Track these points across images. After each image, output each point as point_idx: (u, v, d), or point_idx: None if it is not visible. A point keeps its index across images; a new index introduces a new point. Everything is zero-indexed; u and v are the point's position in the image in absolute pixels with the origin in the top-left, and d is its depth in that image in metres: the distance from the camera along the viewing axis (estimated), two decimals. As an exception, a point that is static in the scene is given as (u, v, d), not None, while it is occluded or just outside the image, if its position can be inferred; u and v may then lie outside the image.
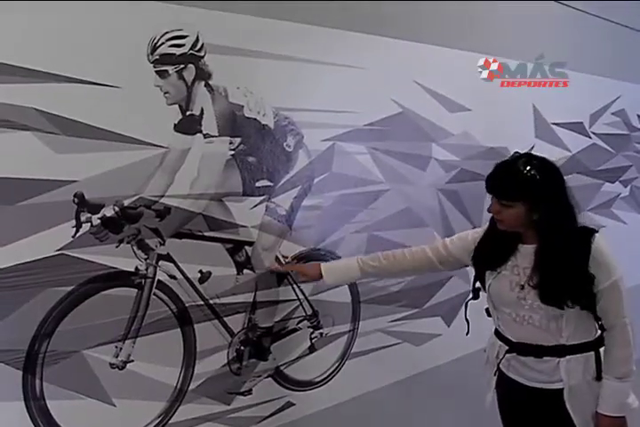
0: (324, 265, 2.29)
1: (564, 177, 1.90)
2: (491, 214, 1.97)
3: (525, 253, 1.94)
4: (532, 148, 3.73)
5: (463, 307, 2.18)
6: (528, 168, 1.83)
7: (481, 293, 2.10)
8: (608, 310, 1.89)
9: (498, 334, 2.10)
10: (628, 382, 1.90)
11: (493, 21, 3.48)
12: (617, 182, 4.64)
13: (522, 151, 1.98)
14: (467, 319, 2.19)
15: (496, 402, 2.18)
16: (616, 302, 1.88)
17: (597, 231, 1.92)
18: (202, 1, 2.14)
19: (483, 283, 2.06)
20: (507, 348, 2.05)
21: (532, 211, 1.85)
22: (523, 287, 1.92)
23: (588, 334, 1.95)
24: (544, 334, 1.95)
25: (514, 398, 2.09)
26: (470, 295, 2.13)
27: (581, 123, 4.20)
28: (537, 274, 1.89)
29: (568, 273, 1.84)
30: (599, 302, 1.88)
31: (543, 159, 1.91)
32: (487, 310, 2.12)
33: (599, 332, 1.96)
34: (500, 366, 2.08)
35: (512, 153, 1.96)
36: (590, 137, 4.29)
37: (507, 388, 2.10)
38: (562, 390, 1.94)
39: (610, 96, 4.48)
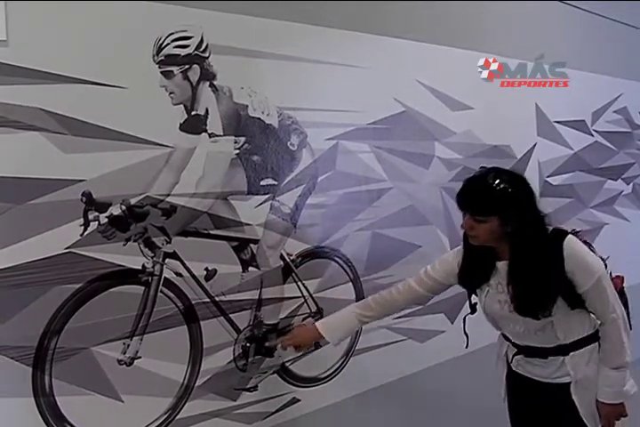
0: (321, 327, 2.18)
1: (532, 187, 1.91)
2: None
3: (502, 270, 1.95)
4: (535, 145, 3.75)
5: (462, 322, 2.19)
6: (498, 181, 1.84)
7: (478, 306, 2.11)
8: (596, 309, 1.92)
9: (504, 335, 2.13)
10: (624, 371, 1.93)
11: (495, 20, 3.50)
12: (619, 180, 4.65)
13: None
14: (466, 333, 2.20)
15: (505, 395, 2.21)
16: (601, 300, 1.90)
17: (567, 234, 1.91)
18: (206, 1, 2.17)
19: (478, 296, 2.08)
20: (515, 350, 2.08)
21: (505, 224, 1.86)
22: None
23: (586, 328, 1.97)
24: (543, 339, 1.97)
25: (522, 391, 2.12)
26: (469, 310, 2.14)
27: (583, 121, 4.21)
28: (512, 288, 1.91)
29: (540, 284, 1.85)
30: (586, 302, 1.90)
31: (511, 172, 1.93)
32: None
33: (599, 322, 1.99)
34: (509, 360, 2.12)
35: (478, 168, 1.96)
36: (592, 135, 4.30)
37: (515, 381, 2.14)
38: (569, 383, 1.97)
39: (612, 94, 4.49)
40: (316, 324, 2.19)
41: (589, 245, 2.00)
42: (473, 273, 2.03)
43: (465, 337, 2.22)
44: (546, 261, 1.86)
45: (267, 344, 2.26)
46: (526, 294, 1.88)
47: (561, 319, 1.92)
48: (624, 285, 2.12)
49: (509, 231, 1.87)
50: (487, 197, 1.85)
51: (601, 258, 2.00)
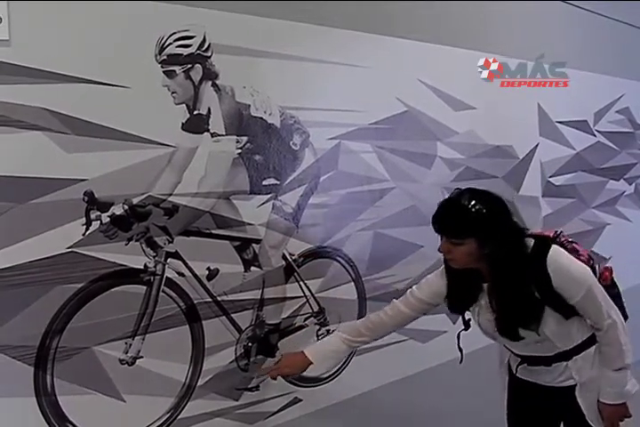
0: (311, 355, 2.05)
1: (507, 205, 1.89)
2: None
3: (488, 291, 1.94)
4: (537, 146, 3.75)
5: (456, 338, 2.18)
6: (473, 203, 1.82)
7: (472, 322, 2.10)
8: (590, 317, 1.90)
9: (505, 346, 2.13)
10: (625, 372, 1.92)
11: (497, 20, 3.50)
12: (622, 180, 4.66)
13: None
14: (460, 348, 2.19)
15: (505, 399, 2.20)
16: (595, 308, 1.88)
17: (550, 244, 1.89)
18: (209, 1, 2.17)
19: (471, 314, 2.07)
20: (518, 360, 2.07)
21: (483, 246, 1.84)
22: None
23: (585, 333, 1.96)
24: (543, 349, 1.97)
25: (525, 395, 2.11)
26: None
27: (585, 121, 4.21)
28: (496, 310, 1.90)
29: (521, 307, 1.84)
30: (580, 311, 1.89)
31: (486, 192, 1.90)
32: None
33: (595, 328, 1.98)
34: (512, 369, 2.11)
35: (453, 189, 1.94)
36: (595, 135, 4.30)
37: (517, 387, 2.13)
38: (573, 386, 1.97)
39: (614, 94, 4.49)
40: (305, 351, 2.06)
41: (573, 243, 1.99)
42: (459, 297, 2.01)
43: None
44: (526, 282, 1.84)
45: (254, 375, 2.23)
46: (507, 316, 1.87)
47: (556, 331, 1.91)
48: (613, 275, 2.10)
49: (487, 253, 1.85)
50: (462, 218, 1.82)
51: (589, 256, 1.98)
